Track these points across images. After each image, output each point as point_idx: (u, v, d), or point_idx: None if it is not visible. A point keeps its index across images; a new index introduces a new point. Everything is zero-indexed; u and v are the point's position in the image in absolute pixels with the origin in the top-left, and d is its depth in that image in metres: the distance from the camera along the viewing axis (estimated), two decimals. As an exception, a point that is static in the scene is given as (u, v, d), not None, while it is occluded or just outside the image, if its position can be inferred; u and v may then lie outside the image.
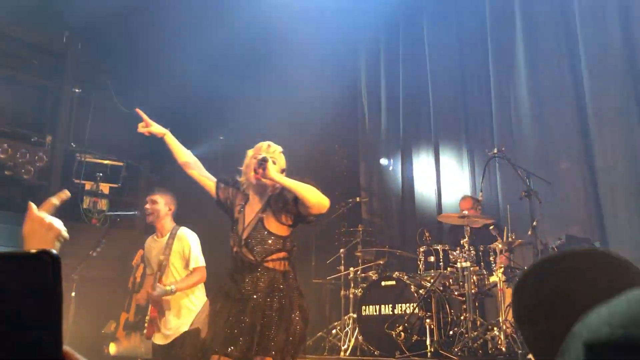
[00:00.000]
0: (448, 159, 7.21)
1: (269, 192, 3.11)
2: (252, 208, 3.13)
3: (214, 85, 6.83)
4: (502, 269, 5.07)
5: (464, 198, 6.01)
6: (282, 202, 3.03)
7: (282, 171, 3.13)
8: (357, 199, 6.98)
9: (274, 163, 3.06)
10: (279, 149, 3.18)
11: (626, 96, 5.82)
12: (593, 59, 6.09)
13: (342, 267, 6.30)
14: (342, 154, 8.00)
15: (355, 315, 5.68)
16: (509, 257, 5.32)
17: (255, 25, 6.51)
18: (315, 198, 2.90)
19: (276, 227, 3.04)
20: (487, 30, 7.07)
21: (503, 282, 5.05)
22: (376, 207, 7.67)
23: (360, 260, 6.28)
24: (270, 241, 3.01)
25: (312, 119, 7.13)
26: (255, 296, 2.94)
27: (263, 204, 3.10)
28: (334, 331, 6.06)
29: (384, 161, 7.73)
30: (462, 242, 5.24)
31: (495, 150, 5.38)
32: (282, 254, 3.03)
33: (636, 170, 5.70)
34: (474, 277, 5.21)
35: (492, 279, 5.21)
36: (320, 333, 6.17)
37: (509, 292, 5.21)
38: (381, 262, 6.13)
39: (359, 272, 6.12)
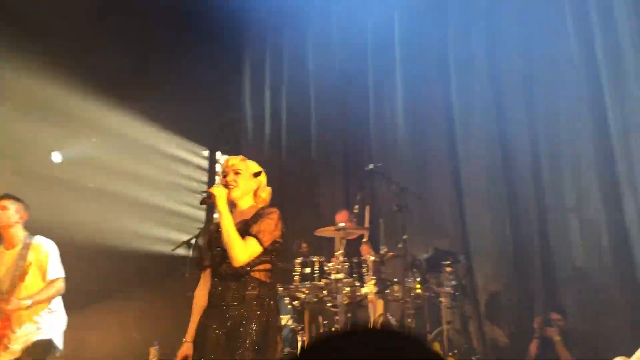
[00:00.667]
0: (326, 173, 7.37)
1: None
2: (236, 217, 2.99)
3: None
4: (373, 281, 5.21)
5: (340, 211, 6.14)
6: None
7: (256, 174, 3.12)
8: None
9: (238, 173, 3.03)
10: (237, 160, 3.12)
11: (490, 123, 6.31)
12: (462, 90, 6.55)
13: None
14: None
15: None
16: (380, 269, 5.49)
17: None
18: (230, 249, 2.81)
19: None
20: (367, 52, 7.36)
21: (374, 293, 5.20)
22: (255, 218, 7.61)
23: (236, 272, 6.16)
24: None
25: (192, 124, 6.99)
26: (240, 305, 2.83)
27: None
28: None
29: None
30: (336, 254, 5.33)
31: (372, 166, 5.55)
32: (267, 266, 2.94)
33: (497, 191, 6.15)
34: (347, 289, 5.30)
35: (364, 290, 5.34)
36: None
37: (379, 303, 5.38)
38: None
39: (234, 284, 6.00)
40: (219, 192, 2.90)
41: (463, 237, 6.24)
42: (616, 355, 5.08)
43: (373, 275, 5.27)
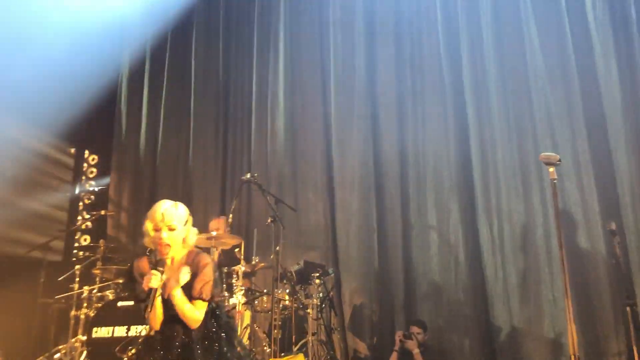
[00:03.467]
0: (202, 180, 7.22)
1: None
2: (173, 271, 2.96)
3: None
4: (242, 291, 5.16)
5: (214, 219, 6.03)
6: None
7: (186, 222, 2.98)
8: (103, 212, 6.49)
9: (172, 230, 2.89)
10: (172, 213, 2.93)
11: (364, 139, 6.54)
12: (341, 103, 6.75)
13: (75, 286, 5.75)
14: (92, 163, 7.44)
15: (84, 338, 5.21)
16: (250, 280, 5.46)
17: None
18: (188, 320, 2.88)
19: None
20: (253, 62, 7.37)
21: (242, 304, 5.14)
22: (124, 222, 7.24)
23: (97, 279, 5.81)
24: None
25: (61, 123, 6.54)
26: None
27: None
28: (57, 355, 5.47)
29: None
30: (207, 263, 5.21)
31: (249, 176, 5.51)
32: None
33: (368, 209, 6.36)
34: (216, 299, 5.19)
35: (232, 300, 5.27)
36: (41, 357, 5.52)
37: (247, 314, 5.33)
38: (120, 281, 5.76)
39: (94, 291, 5.65)
40: (156, 282, 2.80)
41: (333, 250, 6.38)
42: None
43: (242, 286, 5.22)
